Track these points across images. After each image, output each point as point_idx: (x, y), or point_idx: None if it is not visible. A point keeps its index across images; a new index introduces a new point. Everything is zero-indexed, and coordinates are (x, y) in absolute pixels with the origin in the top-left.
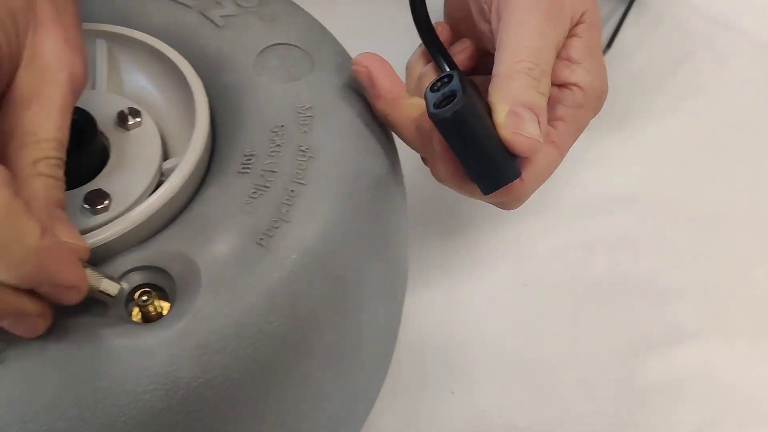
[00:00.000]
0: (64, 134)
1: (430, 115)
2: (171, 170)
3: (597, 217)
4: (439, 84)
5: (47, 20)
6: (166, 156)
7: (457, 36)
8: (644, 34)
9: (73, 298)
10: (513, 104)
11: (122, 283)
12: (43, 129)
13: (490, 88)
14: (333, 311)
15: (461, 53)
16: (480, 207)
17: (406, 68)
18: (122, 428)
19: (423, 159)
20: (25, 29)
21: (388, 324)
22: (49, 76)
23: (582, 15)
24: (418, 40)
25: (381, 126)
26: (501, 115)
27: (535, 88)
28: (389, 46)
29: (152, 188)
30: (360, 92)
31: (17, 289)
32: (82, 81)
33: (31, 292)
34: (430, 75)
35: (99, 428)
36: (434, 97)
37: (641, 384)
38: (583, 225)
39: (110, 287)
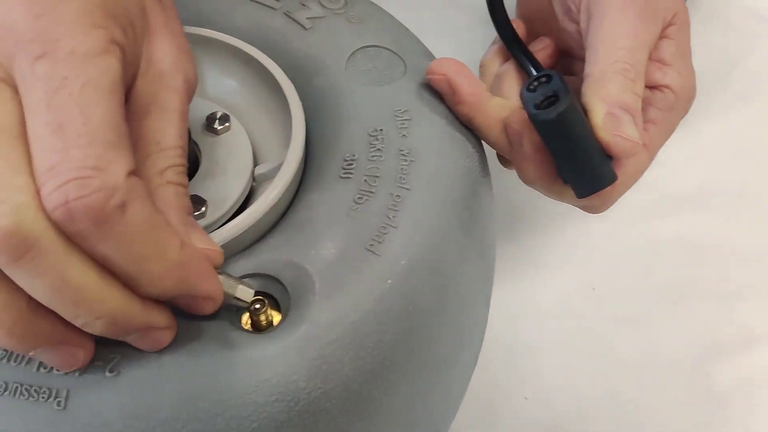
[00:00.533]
0: (185, 141)
1: (531, 117)
2: (263, 175)
3: (661, 219)
4: (536, 84)
5: (159, 26)
6: (255, 161)
7: (531, 35)
8: (698, 33)
9: (209, 309)
10: (610, 105)
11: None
12: (166, 136)
13: (584, 89)
14: (440, 316)
15: (541, 52)
16: (543, 210)
17: (480, 67)
18: None
19: (501, 160)
20: (141, 36)
21: (481, 328)
22: (165, 83)
23: (673, 17)
24: (472, 39)
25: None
26: (599, 116)
27: (631, 90)
28: (441, 48)
29: (246, 194)
30: None
31: (146, 303)
32: (195, 86)
33: (159, 304)
34: (511, 74)
35: None
36: (533, 97)
37: (716, 387)
38: (648, 227)
39: (245, 294)
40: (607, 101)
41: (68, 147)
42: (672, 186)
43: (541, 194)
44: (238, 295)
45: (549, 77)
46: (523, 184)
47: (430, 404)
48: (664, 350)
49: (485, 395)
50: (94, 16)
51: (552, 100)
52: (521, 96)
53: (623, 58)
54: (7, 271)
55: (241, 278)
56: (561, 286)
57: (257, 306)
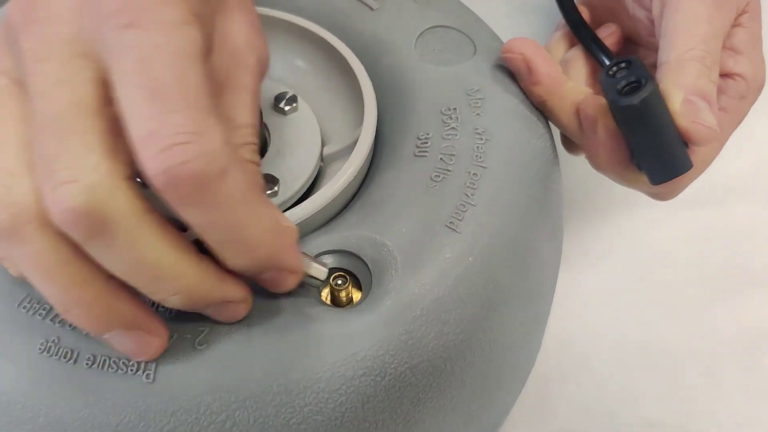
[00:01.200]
0: (257, 119)
1: (613, 102)
2: (331, 156)
3: (710, 208)
4: (615, 69)
5: (233, 3)
6: (323, 141)
7: (593, 21)
8: None
9: (291, 284)
10: (687, 92)
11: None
12: (240, 114)
13: (660, 76)
14: (518, 294)
15: (607, 38)
16: (591, 199)
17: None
18: (331, 415)
19: (566, 145)
20: (216, 11)
21: (548, 309)
22: (239, 60)
23: (746, 5)
24: (513, 27)
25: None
26: (676, 103)
27: (708, 77)
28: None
29: (315, 174)
30: None
31: (222, 277)
32: (267, 65)
33: (235, 278)
34: (579, 59)
35: (308, 414)
36: (614, 83)
37: (766, 375)
38: (697, 215)
39: (319, 272)
40: (684, 88)
41: (166, 112)
42: (721, 174)
43: (586, 183)
44: (312, 273)
45: (629, 63)
46: (569, 172)
47: (502, 383)
48: (714, 338)
49: (537, 381)
50: None
51: (634, 86)
52: (601, 81)
53: (699, 45)
54: (85, 247)
55: (318, 256)
56: (609, 274)
57: (339, 282)
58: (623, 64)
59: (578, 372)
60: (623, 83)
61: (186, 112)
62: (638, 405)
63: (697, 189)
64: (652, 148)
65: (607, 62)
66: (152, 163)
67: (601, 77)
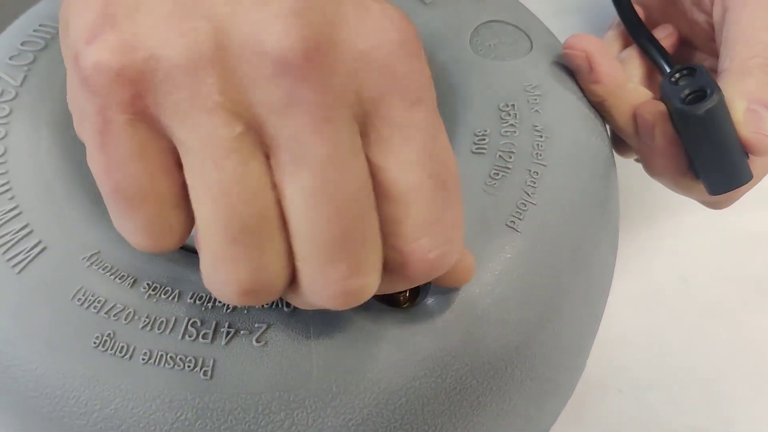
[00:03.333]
0: None
1: (677, 110)
2: None
3: (754, 212)
4: (677, 76)
5: None
6: None
7: (648, 22)
8: None
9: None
10: (750, 101)
11: None
12: None
13: (721, 84)
14: (580, 296)
15: (664, 40)
16: (633, 201)
17: None
18: (390, 417)
19: (618, 148)
20: None
21: (603, 311)
22: None
23: None
24: (570, 23)
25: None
26: (739, 112)
27: None
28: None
29: None
30: None
31: None
32: None
33: None
34: (634, 61)
35: (367, 416)
36: (678, 90)
37: None
38: (740, 219)
39: None
40: (747, 97)
41: (448, 206)
42: (764, 180)
43: (630, 185)
44: None
45: (693, 70)
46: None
47: (558, 388)
48: (757, 343)
49: (580, 387)
50: None
51: (698, 94)
52: (662, 87)
53: (763, 52)
54: None
55: None
56: (652, 276)
57: None
58: (686, 71)
59: (619, 377)
60: (687, 91)
61: (459, 208)
62: (680, 411)
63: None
64: (714, 158)
65: (667, 67)
66: (419, 265)
67: (663, 83)
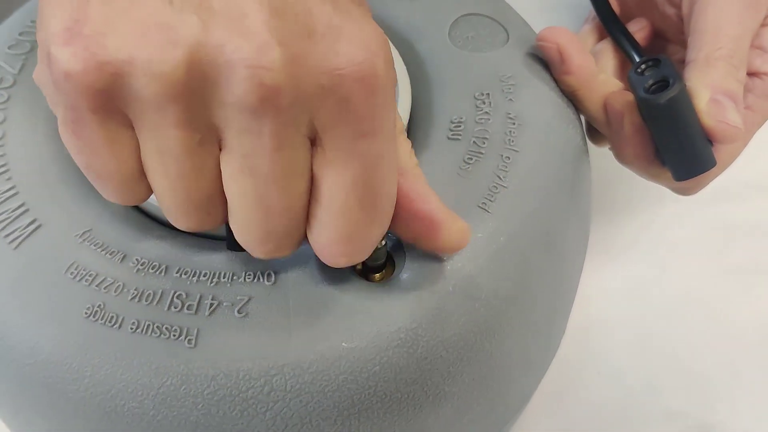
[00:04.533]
0: None
1: (642, 100)
2: None
3: (733, 204)
4: (643, 67)
5: None
6: None
7: (623, 15)
8: None
9: None
10: (713, 91)
11: None
12: None
13: (687, 74)
14: (548, 275)
15: (637, 33)
16: (614, 192)
17: None
18: (364, 384)
19: (592, 137)
20: None
21: (574, 293)
22: None
23: None
24: (538, 24)
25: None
26: (703, 101)
27: (735, 77)
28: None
29: None
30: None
31: None
32: None
33: None
34: (608, 53)
35: (342, 383)
36: (643, 80)
37: None
38: (719, 211)
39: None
40: (711, 87)
41: (369, 226)
42: (744, 172)
43: (610, 176)
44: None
45: (658, 61)
46: (594, 165)
47: (528, 363)
48: (734, 331)
49: (558, 369)
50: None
51: (661, 84)
52: (629, 78)
53: (728, 45)
54: None
55: None
56: (631, 266)
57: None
58: (652, 63)
59: (598, 361)
60: (651, 81)
61: (381, 231)
62: (658, 395)
63: (719, 185)
64: (677, 145)
65: (637, 58)
66: (327, 259)
67: (629, 74)
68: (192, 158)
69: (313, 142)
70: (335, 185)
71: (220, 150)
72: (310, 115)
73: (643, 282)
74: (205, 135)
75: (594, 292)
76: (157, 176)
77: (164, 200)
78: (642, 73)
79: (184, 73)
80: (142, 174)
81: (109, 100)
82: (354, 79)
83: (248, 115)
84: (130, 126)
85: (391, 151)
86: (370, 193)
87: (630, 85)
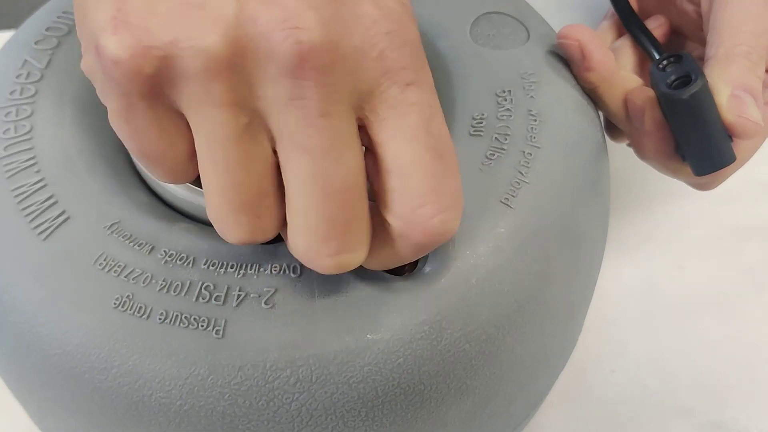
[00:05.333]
0: None
1: (664, 95)
2: None
3: (748, 204)
4: (665, 63)
5: None
6: None
7: (641, 12)
8: None
9: None
10: (733, 87)
11: None
12: None
13: (707, 70)
14: (570, 271)
15: (656, 30)
16: (630, 190)
17: None
18: (389, 375)
19: (611, 134)
20: None
21: (593, 289)
22: None
23: None
24: (550, 23)
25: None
26: (723, 97)
27: (754, 73)
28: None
29: None
30: None
31: None
32: None
33: None
34: (627, 50)
35: (367, 374)
36: (665, 76)
37: None
38: (734, 210)
39: None
40: (730, 83)
41: (447, 176)
42: (759, 171)
43: (625, 174)
44: None
45: (679, 57)
46: (612, 162)
47: (548, 359)
48: (749, 332)
49: (574, 365)
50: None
51: (684, 80)
52: (651, 74)
53: (747, 41)
54: None
55: None
56: (646, 264)
57: None
58: (673, 59)
59: (613, 359)
60: (673, 77)
61: (456, 178)
62: (672, 393)
63: (734, 184)
64: (698, 141)
65: (657, 55)
66: (423, 231)
67: (651, 70)
68: (240, 144)
69: (361, 118)
70: (399, 140)
71: (272, 145)
72: (351, 77)
73: (658, 280)
74: (252, 119)
75: (609, 288)
76: (206, 169)
77: (214, 200)
78: (664, 69)
79: (225, 48)
80: (192, 155)
81: (158, 85)
82: (384, 34)
83: (290, 80)
84: (180, 112)
85: (437, 102)
86: (434, 141)
87: (651, 81)
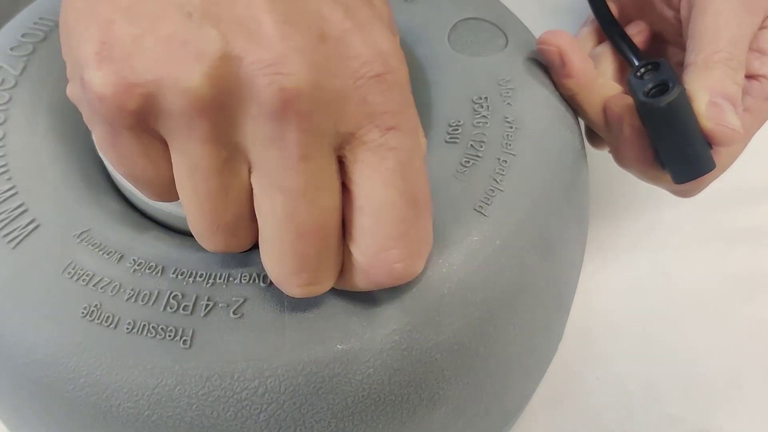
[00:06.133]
0: None
1: (641, 104)
2: None
3: (734, 209)
4: (642, 71)
5: None
6: None
7: (622, 18)
8: None
9: None
10: (712, 94)
11: None
12: None
13: (686, 77)
14: (544, 279)
15: (636, 36)
16: (615, 196)
17: None
18: (358, 386)
19: (592, 140)
20: None
21: (572, 297)
22: None
23: None
24: (543, 28)
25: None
26: (702, 104)
27: (733, 79)
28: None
29: None
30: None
31: None
32: None
33: None
34: (606, 57)
35: (336, 385)
36: (642, 84)
37: None
38: (720, 217)
39: None
40: (709, 90)
41: (418, 222)
42: (745, 178)
43: (613, 180)
44: None
45: (657, 65)
46: (597, 167)
47: (524, 368)
48: (735, 337)
49: (557, 373)
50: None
51: (661, 87)
52: (628, 82)
53: (726, 48)
54: None
55: None
56: (633, 270)
57: None
58: (651, 66)
59: (598, 365)
60: (650, 85)
61: (429, 222)
62: (658, 401)
63: (721, 192)
64: (677, 149)
65: (636, 62)
66: (385, 273)
67: (629, 78)
68: (220, 176)
69: (341, 157)
70: (373, 182)
71: (250, 173)
72: (333, 121)
73: (644, 286)
74: (232, 153)
75: (595, 295)
76: (186, 194)
77: (194, 220)
78: (641, 77)
79: (209, 87)
80: None
81: (143, 119)
82: (370, 78)
83: (272, 123)
84: (164, 140)
85: (418, 146)
86: (410, 186)
87: (629, 89)
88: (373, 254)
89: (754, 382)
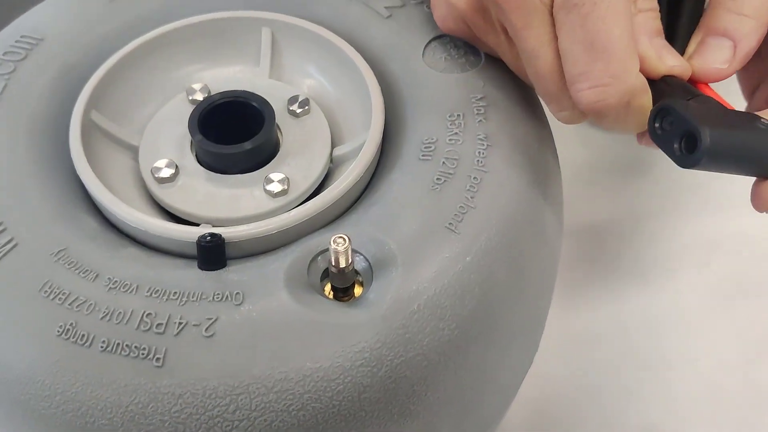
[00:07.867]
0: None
1: (681, 165)
2: (340, 157)
3: (717, 217)
4: (659, 124)
5: None
6: (332, 143)
7: None
8: None
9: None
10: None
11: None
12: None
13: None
14: (515, 294)
15: None
16: (596, 206)
17: None
18: (328, 403)
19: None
20: None
21: (546, 310)
22: None
23: None
24: None
25: (543, 116)
26: (692, 45)
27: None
28: None
29: (324, 174)
30: (523, 83)
31: None
32: None
33: None
34: None
35: (306, 402)
36: (669, 140)
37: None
38: (704, 224)
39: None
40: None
41: (596, 61)
42: (727, 185)
43: (594, 191)
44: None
45: (667, 111)
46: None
47: (497, 383)
48: (718, 346)
49: (535, 383)
50: None
51: (689, 137)
52: (655, 141)
53: None
54: None
55: (322, 252)
56: (611, 279)
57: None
58: (662, 112)
59: (575, 375)
60: (677, 141)
61: (609, 62)
62: (635, 409)
63: (702, 200)
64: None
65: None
66: (581, 95)
67: (652, 138)
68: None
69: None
70: (560, 34)
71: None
72: None
73: (625, 295)
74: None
75: (571, 304)
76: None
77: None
78: (661, 127)
79: None
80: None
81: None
82: None
83: None
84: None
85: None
86: (587, 35)
87: (659, 147)
88: (569, 86)
89: (732, 391)
